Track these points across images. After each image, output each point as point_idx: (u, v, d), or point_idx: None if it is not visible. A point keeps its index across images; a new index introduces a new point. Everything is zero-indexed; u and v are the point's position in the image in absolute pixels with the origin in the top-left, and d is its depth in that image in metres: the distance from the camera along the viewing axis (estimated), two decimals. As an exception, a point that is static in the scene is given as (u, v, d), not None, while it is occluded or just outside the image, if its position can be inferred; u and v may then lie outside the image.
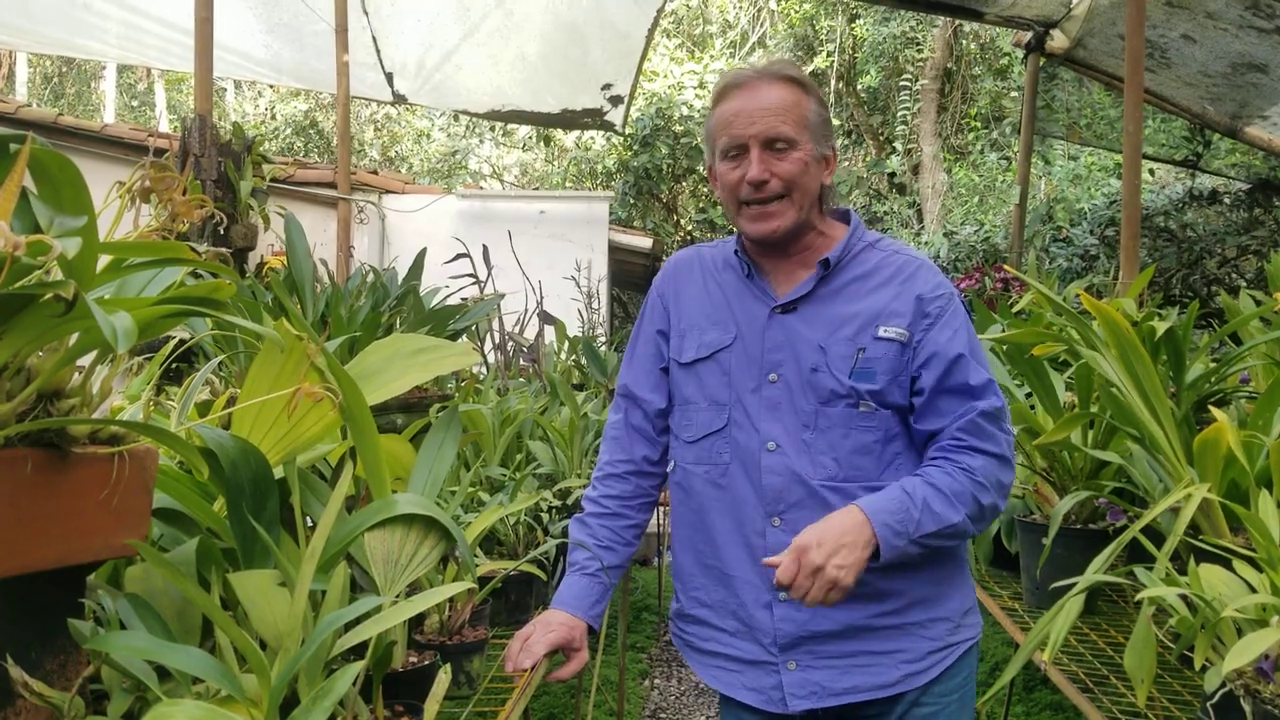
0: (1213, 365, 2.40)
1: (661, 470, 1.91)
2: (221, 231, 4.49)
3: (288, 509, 1.40)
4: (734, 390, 1.74)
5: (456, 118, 13.00)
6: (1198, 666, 1.41)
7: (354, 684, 1.22)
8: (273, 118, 15.11)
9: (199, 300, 1.01)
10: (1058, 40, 6.50)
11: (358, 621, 1.14)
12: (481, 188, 12.99)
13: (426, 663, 1.55)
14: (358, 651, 1.25)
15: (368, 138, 15.31)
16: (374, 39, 7.05)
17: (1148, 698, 1.58)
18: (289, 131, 14.74)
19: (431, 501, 1.40)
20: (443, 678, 1.42)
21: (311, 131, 14.83)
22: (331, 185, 7.02)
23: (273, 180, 5.10)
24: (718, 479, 1.75)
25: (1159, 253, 8.28)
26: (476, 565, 1.88)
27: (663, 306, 1.88)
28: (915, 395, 1.69)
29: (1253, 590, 1.40)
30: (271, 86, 14.63)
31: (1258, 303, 3.13)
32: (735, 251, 1.81)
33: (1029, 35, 6.59)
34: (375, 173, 8.84)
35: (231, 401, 1.91)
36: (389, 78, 7.36)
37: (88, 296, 0.89)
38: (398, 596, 1.25)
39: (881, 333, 1.68)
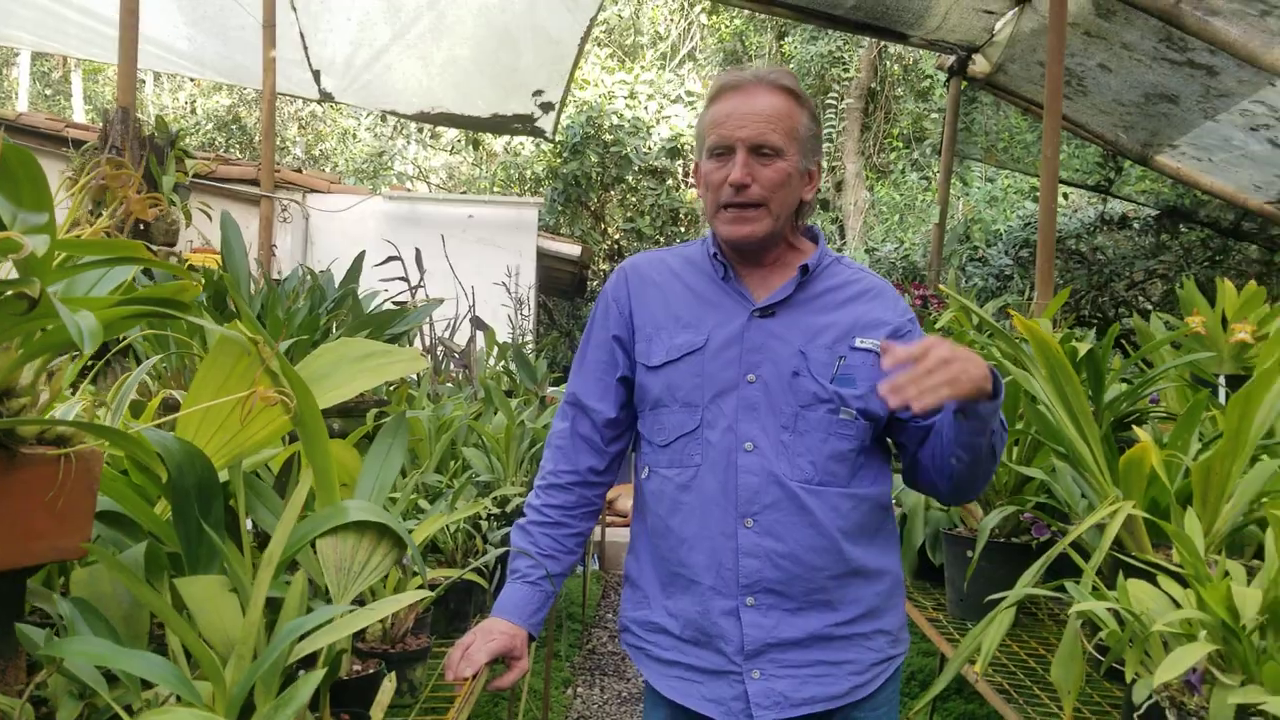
0: (1124, 386, 2.48)
1: (607, 480, 1.89)
2: (142, 227, 4.37)
3: (230, 514, 1.38)
4: (706, 392, 1.72)
5: (384, 118, 12.86)
6: (1128, 679, 1.47)
7: (303, 692, 1.20)
8: (193, 111, 14.76)
9: (163, 301, 0.99)
10: (979, 65, 6.68)
11: (311, 630, 1.13)
12: (408, 189, 12.85)
13: (371, 671, 1.54)
14: (306, 660, 1.24)
15: (291, 135, 15.04)
16: (302, 36, 6.93)
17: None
18: (210, 126, 14.41)
19: (381, 508, 1.39)
20: (388, 686, 1.41)
21: (234, 127, 14.51)
22: (254, 182, 6.90)
23: (195, 176, 5.00)
24: (688, 482, 1.73)
25: (1070, 274, 8.55)
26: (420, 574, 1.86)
27: (619, 311, 1.84)
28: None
29: (1177, 605, 1.46)
30: (192, 80, 14.30)
31: (1169, 326, 3.26)
32: (713, 255, 1.80)
33: (952, 59, 6.76)
34: (299, 171, 8.70)
35: (166, 402, 1.87)
36: (316, 75, 7.24)
37: (52, 295, 0.87)
38: (353, 604, 1.24)
39: (858, 343, 1.70)
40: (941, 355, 1.49)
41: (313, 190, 7.98)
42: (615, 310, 1.85)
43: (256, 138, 13.70)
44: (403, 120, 12.28)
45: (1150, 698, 1.41)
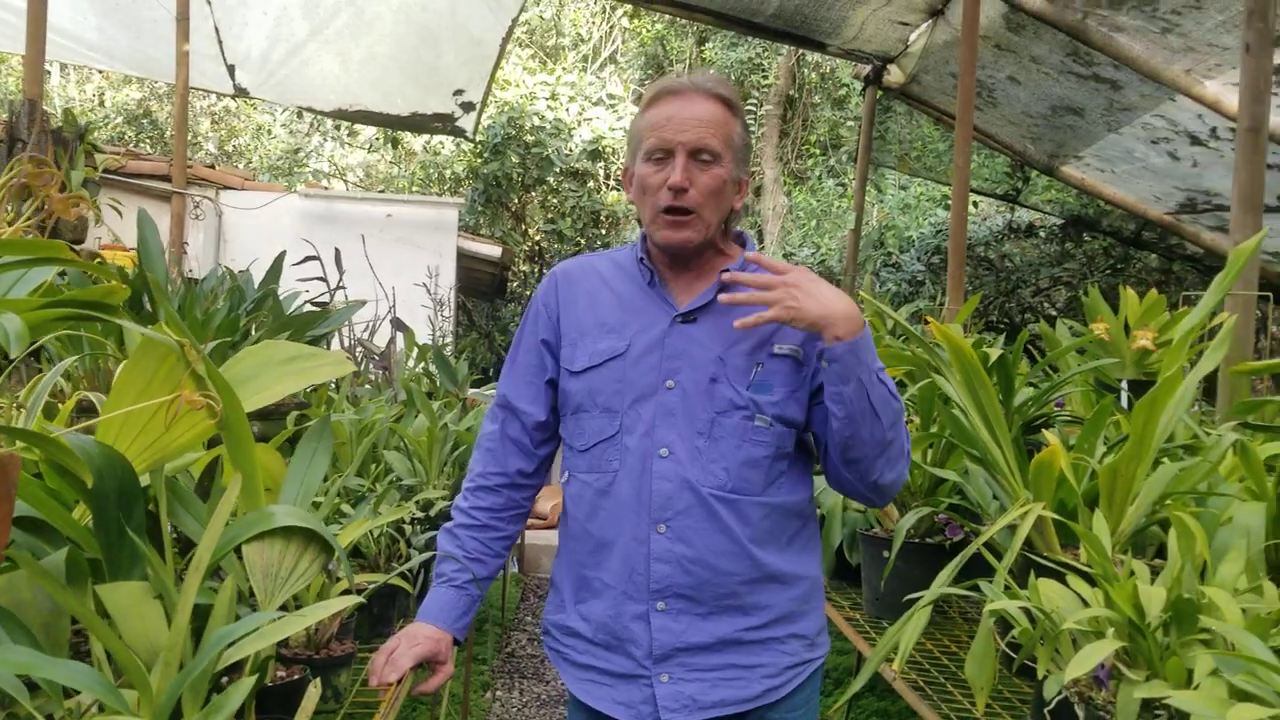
0: (1032, 390, 2.57)
1: (535, 483, 1.89)
2: (50, 224, 4.23)
3: (151, 519, 1.36)
4: (626, 397, 1.73)
5: (300, 114, 12.65)
6: (1040, 676, 1.52)
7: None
8: (101, 104, 14.29)
9: (91, 304, 0.98)
10: (894, 75, 6.83)
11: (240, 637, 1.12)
12: (325, 187, 12.64)
13: (296, 677, 1.52)
14: (230, 666, 1.22)
15: (204, 130, 14.67)
16: (216, 29, 6.79)
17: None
18: (120, 120, 13.98)
19: (308, 513, 1.38)
20: (313, 692, 1.40)
21: (144, 121, 14.09)
22: (165, 178, 6.73)
23: (104, 171, 4.86)
24: (605, 487, 1.74)
25: (979, 280, 8.78)
26: (344, 579, 1.85)
27: (548, 316, 1.85)
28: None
29: (1085, 604, 1.52)
30: (101, 72, 13.86)
31: (1074, 332, 3.37)
32: (640, 260, 1.81)
33: (868, 68, 6.90)
34: (212, 167, 8.52)
35: (80, 404, 1.83)
36: (231, 70, 7.10)
37: (-23, 298, 0.86)
38: (279, 610, 1.23)
39: (777, 349, 1.71)
40: (790, 280, 1.60)
41: (226, 187, 7.81)
42: (545, 315, 1.85)
43: (168, 132, 13.34)
44: (319, 117, 12.10)
45: (1060, 693, 1.46)
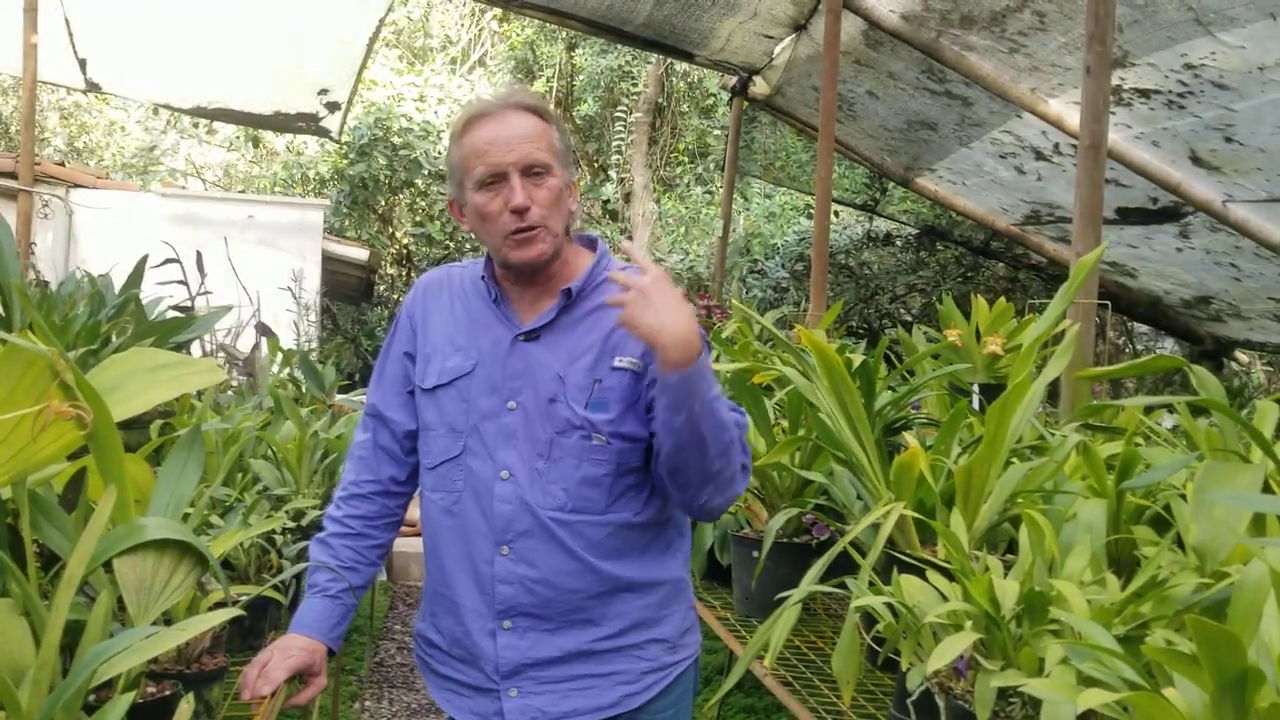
0: (890, 394, 2.68)
1: (408, 490, 1.89)
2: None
3: (13, 534, 1.31)
4: (471, 417, 1.73)
5: (156, 111, 12.13)
6: (903, 668, 1.60)
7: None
8: (-63, 98, 13.47)
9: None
10: (760, 86, 7.00)
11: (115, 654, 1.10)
12: (182, 187, 12.17)
13: (167, 692, 1.49)
14: (104, 684, 1.19)
15: (52, 126, 13.93)
16: (67, 21, 6.49)
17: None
18: (-41, 115, 13.19)
19: (181, 525, 1.35)
20: (184, 708, 1.37)
21: (-14, 115, 13.33)
22: (11, 175, 6.39)
23: (-58, 167, 4.62)
24: (450, 506, 1.74)
25: (840, 287, 9.05)
26: (218, 590, 1.81)
27: (410, 328, 1.85)
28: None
29: (944, 598, 1.60)
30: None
31: (929, 338, 3.54)
32: (482, 276, 1.80)
33: (734, 79, 7.05)
34: (62, 164, 8.13)
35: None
36: (82, 64, 6.79)
37: None
38: (154, 624, 1.21)
39: (617, 363, 1.69)
40: (640, 283, 1.51)
41: (77, 185, 7.46)
42: (409, 327, 1.86)
43: (13, 127, 12.63)
44: (176, 114, 11.65)
45: (922, 685, 1.54)
